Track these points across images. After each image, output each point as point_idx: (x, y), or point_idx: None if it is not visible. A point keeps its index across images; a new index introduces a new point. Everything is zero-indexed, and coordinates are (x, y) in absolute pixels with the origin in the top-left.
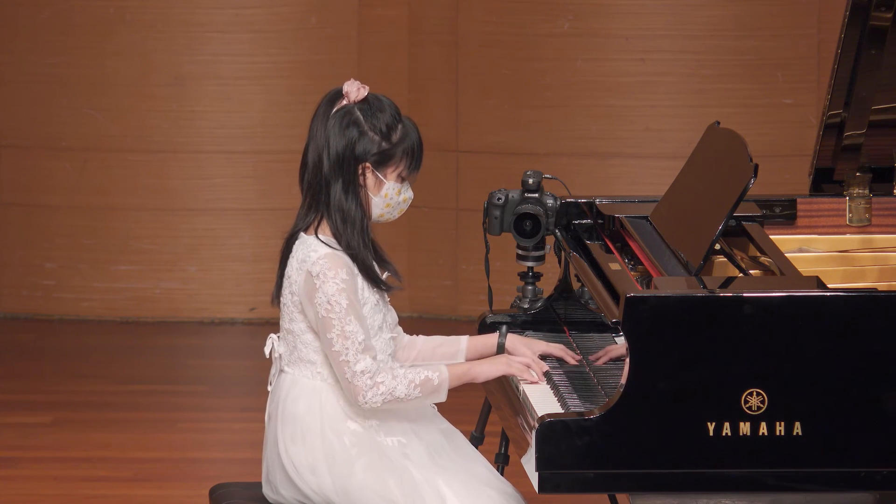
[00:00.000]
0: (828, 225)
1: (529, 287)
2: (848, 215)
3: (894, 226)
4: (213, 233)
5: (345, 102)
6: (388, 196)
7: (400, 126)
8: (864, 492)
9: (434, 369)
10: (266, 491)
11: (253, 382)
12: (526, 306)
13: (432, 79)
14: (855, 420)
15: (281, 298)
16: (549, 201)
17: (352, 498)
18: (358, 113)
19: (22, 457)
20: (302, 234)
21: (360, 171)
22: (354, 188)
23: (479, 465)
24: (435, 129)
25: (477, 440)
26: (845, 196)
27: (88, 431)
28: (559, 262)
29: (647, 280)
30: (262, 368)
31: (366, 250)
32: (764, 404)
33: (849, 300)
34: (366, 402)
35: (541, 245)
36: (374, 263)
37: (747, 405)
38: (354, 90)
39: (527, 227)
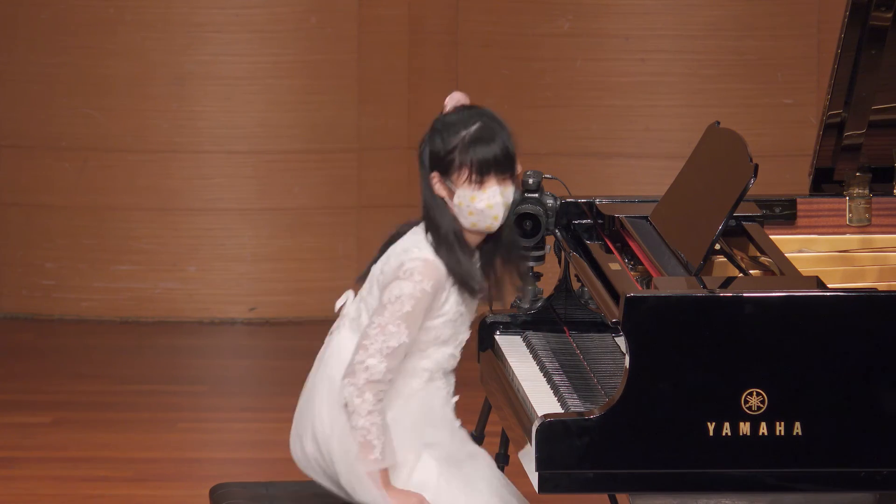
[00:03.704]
0: (828, 225)
1: (529, 287)
2: (848, 215)
3: (894, 226)
4: (212, 233)
5: None
6: (462, 205)
7: (463, 131)
8: (864, 492)
9: (388, 455)
10: (293, 446)
11: (253, 382)
12: (526, 306)
13: (432, 79)
14: (855, 420)
15: (373, 268)
16: (549, 201)
17: (356, 483)
18: (434, 123)
19: (22, 457)
20: (420, 227)
21: (433, 181)
22: (433, 199)
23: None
24: None
25: (477, 440)
26: (845, 196)
27: (88, 431)
28: (559, 262)
29: (646, 280)
30: (263, 369)
31: (459, 263)
32: (764, 404)
33: (849, 300)
34: (344, 390)
35: (541, 245)
36: (477, 274)
37: (747, 405)
38: (451, 103)
39: (527, 226)
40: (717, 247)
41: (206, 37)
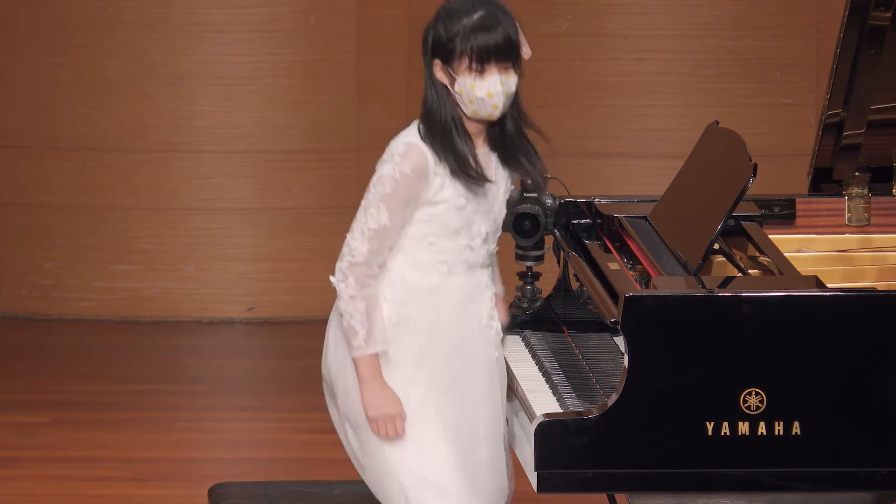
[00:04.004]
0: (827, 225)
1: (528, 287)
2: (847, 215)
3: (893, 225)
4: (211, 232)
5: None
6: (462, 93)
7: (466, 19)
8: (863, 492)
9: (374, 341)
10: (323, 370)
11: (252, 382)
12: (525, 306)
13: None
14: (853, 420)
15: None
16: (548, 201)
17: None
18: (438, 10)
19: (21, 457)
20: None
21: (436, 69)
22: (433, 86)
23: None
24: None
25: None
26: (844, 196)
27: (87, 431)
28: (558, 262)
29: (645, 280)
30: (261, 369)
31: (455, 148)
32: (763, 404)
33: (848, 300)
34: (334, 275)
35: (540, 245)
36: (472, 161)
37: (746, 405)
38: None
39: (526, 226)
40: (716, 246)
41: (204, 36)
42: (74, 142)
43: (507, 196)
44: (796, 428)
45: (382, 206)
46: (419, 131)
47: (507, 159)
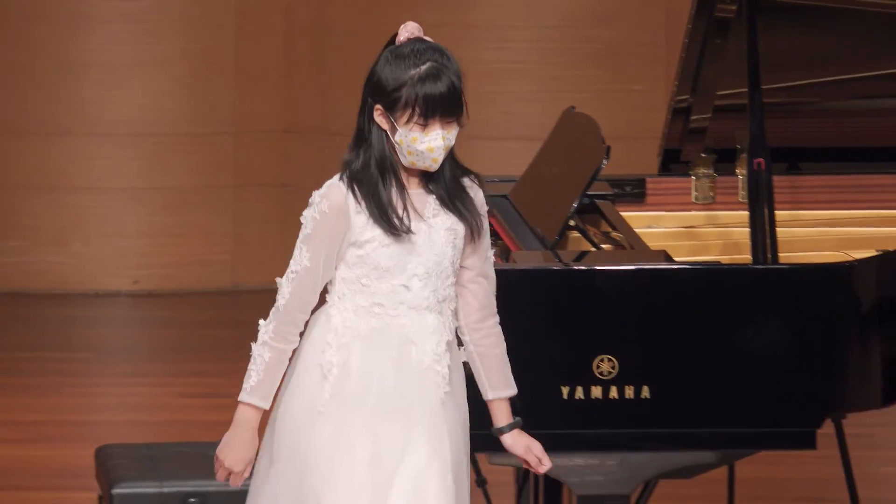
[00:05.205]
0: (675, 203)
1: None
2: (694, 193)
3: (736, 203)
4: (98, 210)
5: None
6: (402, 143)
7: (413, 70)
8: (708, 451)
9: (261, 393)
10: None
11: (136, 350)
12: None
13: (303, 66)
14: (698, 385)
15: None
16: None
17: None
18: (386, 53)
19: None
20: None
21: (376, 113)
22: (369, 126)
23: None
24: (304, 114)
25: None
26: (691, 176)
27: None
28: None
29: (506, 254)
30: (145, 337)
31: (378, 194)
32: (614, 370)
33: (694, 273)
34: (263, 320)
35: None
36: (401, 202)
37: (599, 370)
38: (405, 34)
39: None
40: (572, 223)
41: (91, 27)
42: None
43: (455, 235)
44: (646, 392)
45: (304, 247)
46: (341, 171)
47: (445, 203)
